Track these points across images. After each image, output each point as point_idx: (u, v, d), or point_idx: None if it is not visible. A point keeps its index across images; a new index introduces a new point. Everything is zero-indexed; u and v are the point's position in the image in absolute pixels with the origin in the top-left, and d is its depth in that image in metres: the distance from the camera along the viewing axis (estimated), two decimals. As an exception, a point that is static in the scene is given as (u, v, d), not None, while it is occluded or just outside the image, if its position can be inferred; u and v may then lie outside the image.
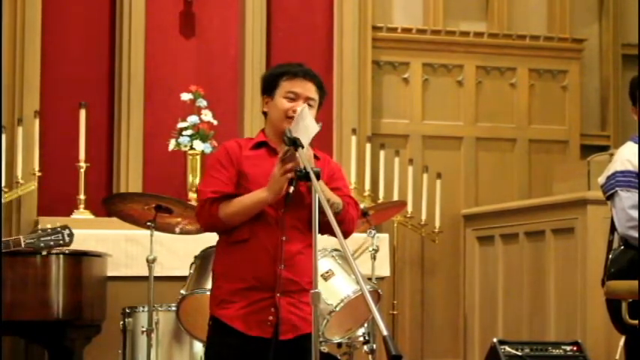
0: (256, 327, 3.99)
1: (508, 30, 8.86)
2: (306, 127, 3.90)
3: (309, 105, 4.09)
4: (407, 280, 8.41)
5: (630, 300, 4.65)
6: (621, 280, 4.71)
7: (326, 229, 3.78)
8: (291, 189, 4.00)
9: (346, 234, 3.95)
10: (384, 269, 7.42)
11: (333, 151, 8.10)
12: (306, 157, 3.86)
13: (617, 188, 4.81)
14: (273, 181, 3.95)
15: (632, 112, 4.98)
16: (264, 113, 4.21)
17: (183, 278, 5.67)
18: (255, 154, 4.12)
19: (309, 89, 4.12)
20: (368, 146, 8.08)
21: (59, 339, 6.24)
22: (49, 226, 5.47)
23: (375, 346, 5.93)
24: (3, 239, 5.29)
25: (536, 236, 7.67)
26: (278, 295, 3.99)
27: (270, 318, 3.99)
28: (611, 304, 4.76)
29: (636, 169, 4.80)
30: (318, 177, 3.78)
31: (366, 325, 5.79)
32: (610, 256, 4.86)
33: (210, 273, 5.10)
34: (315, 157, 4.11)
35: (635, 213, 4.74)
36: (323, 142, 8.05)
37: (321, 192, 3.75)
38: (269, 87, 4.15)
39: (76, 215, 7.32)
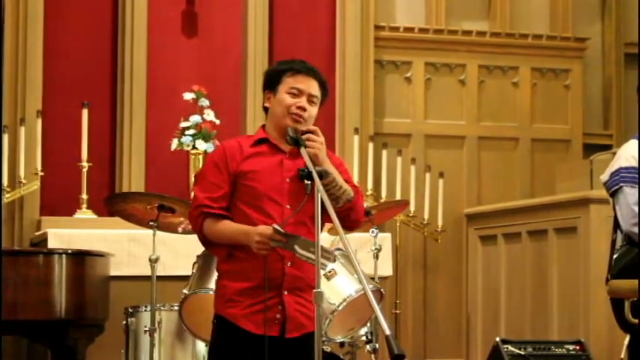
0: (263, 325, 3.94)
1: (510, 29, 8.85)
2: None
3: (312, 102, 4.08)
4: (409, 279, 8.40)
5: (633, 299, 4.65)
6: (626, 279, 4.70)
7: (339, 218, 3.78)
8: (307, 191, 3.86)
9: (357, 222, 4.00)
10: (386, 268, 7.40)
11: (335, 151, 8.09)
12: (308, 156, 3.87)
13: (622, 184, 4.79)
14: (248, 242, 3.91)
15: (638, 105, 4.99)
16: (265, 109, 4.17)
17: (185, 278, 5.67)
18: (256, 151, 4.08)
19: (313, 86, 4.08)
20: (370, 145, 8.07)
21: (62, 339, 6.24)
22: None
23: (377, 345, 5.92)
24: None
25: (538, 235, 7.67)
26: (285, 292, 3.97)
27: (278, 316, 3.96)
28: (616, 303, 4.75)
29: (640, 166, 4.80)
30: (321, 177, 3.78)
31: (368, 324, 5.78)
32: (615, 255, 4.84)
33: (212, 272, 5.11)
34: None
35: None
36: (326, 141, 8.04)
37: (336, 179, 3.89)
38: (272, 82, 4.12)
39: (78, 215, 7.32)
